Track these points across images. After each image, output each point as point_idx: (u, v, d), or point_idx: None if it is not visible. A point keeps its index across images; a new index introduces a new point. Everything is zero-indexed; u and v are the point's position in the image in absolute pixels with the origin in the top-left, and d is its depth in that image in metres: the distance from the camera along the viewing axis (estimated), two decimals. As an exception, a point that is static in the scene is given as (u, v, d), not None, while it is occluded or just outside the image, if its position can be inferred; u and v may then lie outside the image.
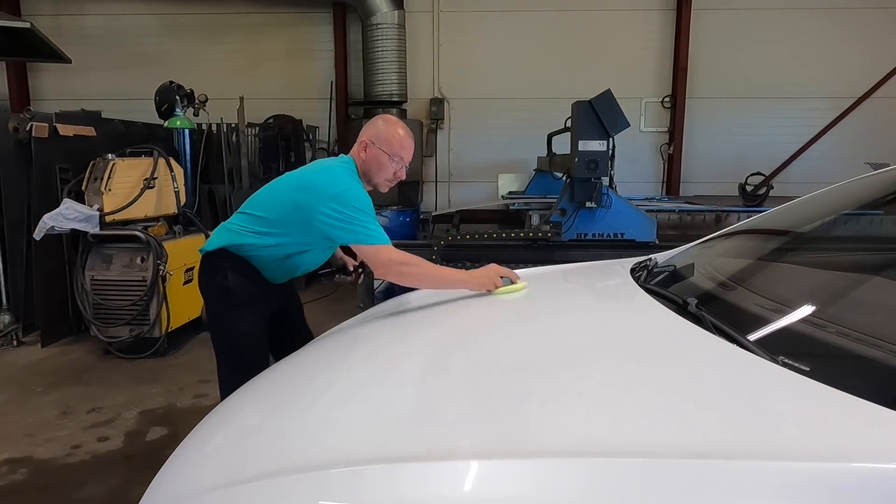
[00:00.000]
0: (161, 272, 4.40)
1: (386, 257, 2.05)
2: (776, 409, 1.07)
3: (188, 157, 5.54)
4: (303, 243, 2.19)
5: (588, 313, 1.86)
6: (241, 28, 7.89)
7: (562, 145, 5.31)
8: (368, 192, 2.20)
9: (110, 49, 7.90)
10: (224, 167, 5.73)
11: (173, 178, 4.91)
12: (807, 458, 0.89)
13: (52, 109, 5.61)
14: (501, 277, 2.04)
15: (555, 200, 4.91)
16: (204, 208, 5.65)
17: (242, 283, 2.20)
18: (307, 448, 1.17)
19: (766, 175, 6.37)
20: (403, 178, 2.35)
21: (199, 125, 5.78)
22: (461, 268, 5.10)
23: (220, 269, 2.21)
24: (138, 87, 6.87)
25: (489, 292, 2.01)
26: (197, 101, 5.66)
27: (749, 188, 5.99)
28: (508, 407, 1.18)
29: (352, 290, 6.29)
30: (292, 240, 2.16)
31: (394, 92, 7.20)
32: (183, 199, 4.99)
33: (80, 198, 4.53)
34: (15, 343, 4.75)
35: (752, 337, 1.29)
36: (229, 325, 2.24)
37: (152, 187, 4.70)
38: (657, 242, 4.94)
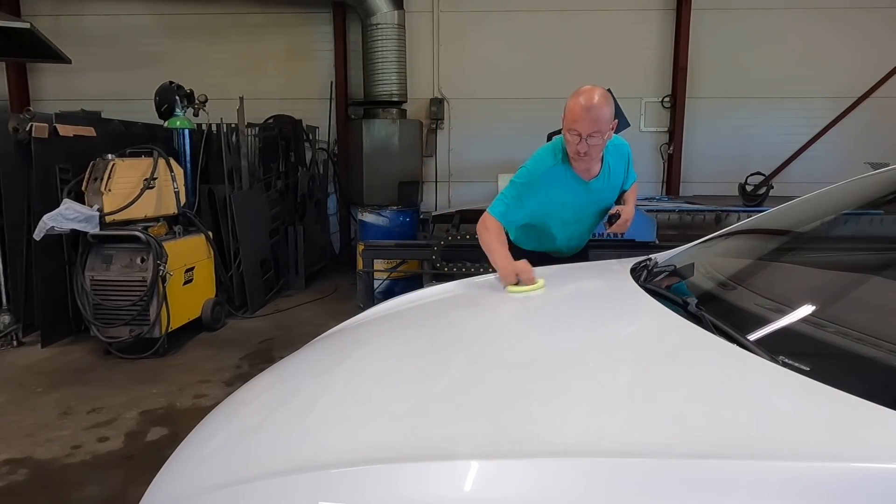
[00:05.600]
0: (161, 272, 4.40)
1: (481, 220, 2.47)
2: (776, 409, 1.07)
3: (188, 158, 5.54)
4: None
5: (588, 313, 1.86)
6: (241, 28, 7.88)
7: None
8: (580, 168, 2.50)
9: (110, 49, 7.89)
10: (224, 167, 5.73)
11: (173, 179, 4.91)
12: (807, 458, 0.89)
13: (52, 109, 5.60)
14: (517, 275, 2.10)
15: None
16: (204, 208, 5.65)
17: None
18: (307, 448, 1.17)
19: (766, 175, 6.37)
20: (585, 150, 2.38)
21: (199, 125, 5.77)
22: (461, 268, 5.08)
23: None
24: (138, 87, 6.86)
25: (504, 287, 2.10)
26: (197, 101, 5.66)
27: (749, 188, 5.99)
28: (508, 407, 1.18)
29: (352, 290, 6.29)
30: None
31: (394, 92, 7.20)
32: (183, 200, 4.99)
33: (79, 198, 4.53)
34: (15, 343, 4.75)
35: (752, 337, 1.29)
36: None
37: (152, 187, 4.70)
38: (657, 242, 4.95)
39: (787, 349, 1.23)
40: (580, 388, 1.25)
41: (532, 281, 2.06)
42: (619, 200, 2.77)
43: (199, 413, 3.13)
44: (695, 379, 1.21)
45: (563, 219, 2.64)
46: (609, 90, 4.68)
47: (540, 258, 2.54)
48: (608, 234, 4.96)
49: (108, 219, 4.43)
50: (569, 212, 2.62)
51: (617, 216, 2.67)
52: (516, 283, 2.07)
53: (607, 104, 2.34)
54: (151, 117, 5.70)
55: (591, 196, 2.62)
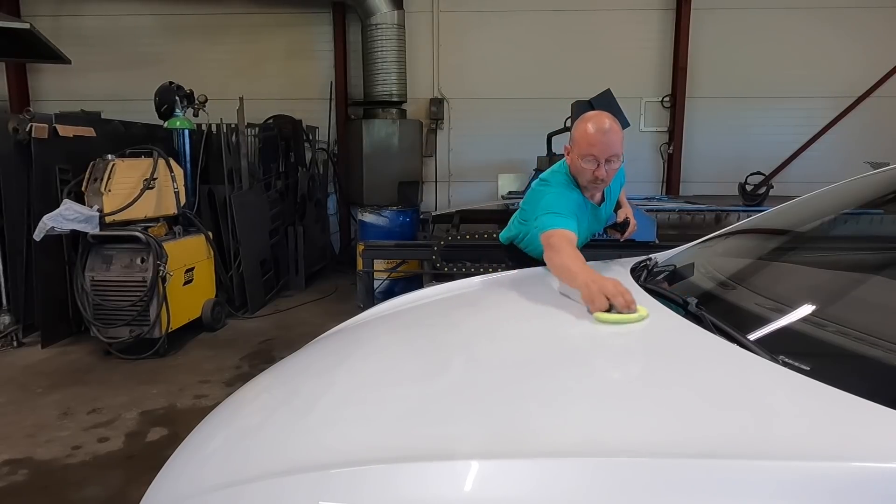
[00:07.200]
0: (161, 273, 4.40)
1: (545, 240, 2.17)
2: (776, 409, 1.07)
3: (188, 158, 5.54)
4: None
5: (588, 312, 1.85)
6: (241, 28, 7.89)
7: (561, 145, 5.31)
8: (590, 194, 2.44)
9: (110, 50, 7.89)
10: (224, 167, 5.73)
11: (173, 179, 4.91)
12: (807, 457, 0.89)
13: (52, 110, 5.60)
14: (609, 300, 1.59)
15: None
16: (204, 209, 5.65)
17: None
18: (307, 448, 1.17)
19: (766, 174, 6.37)
20: (604, 176, 2.29)
21: (199, 126, 5.77)
22: (461, 268, 5.06)
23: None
24: (138, 87, 6.87)
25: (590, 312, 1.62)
26: (197, 101, 5.66)
27: (749, 188, 5.99)
28: (509, 407, 1.18)
29: (352, 291, 6.29)
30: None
31: (393, 92, 7.20)
32: (183, 200, 4.99)
33: (79, 198, 4.53)
34: (15, 344, 4.75)
35: (753, 336, 1.29)
36: None
37: (152, 188, 4.70)
38: (657, 242, 4.94)
39: (788, 349, 1.23)
40: (580, 387, 1.25)
41: (630, 306, 1.55)
42: (615, 207, 2.79)
43: (199, 413, 3.13)
44: (695, 379, 1.21)
45: None
46: (609, 90, 4.70)
47: (528, 261, 2.59)
48: (607, 234, 4.97)
49: (108, 219, 4.43)
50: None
51: (626, 223, 2.68)
52: (608, 309, 1.57)
53: (619, 126, 2.33)
54: (151, 118, 5.70)
55: (597, 219, 2.64)
